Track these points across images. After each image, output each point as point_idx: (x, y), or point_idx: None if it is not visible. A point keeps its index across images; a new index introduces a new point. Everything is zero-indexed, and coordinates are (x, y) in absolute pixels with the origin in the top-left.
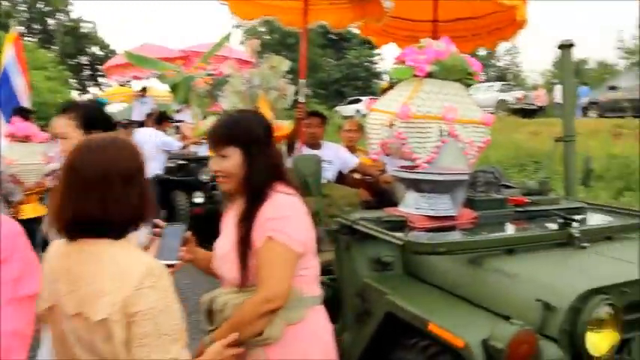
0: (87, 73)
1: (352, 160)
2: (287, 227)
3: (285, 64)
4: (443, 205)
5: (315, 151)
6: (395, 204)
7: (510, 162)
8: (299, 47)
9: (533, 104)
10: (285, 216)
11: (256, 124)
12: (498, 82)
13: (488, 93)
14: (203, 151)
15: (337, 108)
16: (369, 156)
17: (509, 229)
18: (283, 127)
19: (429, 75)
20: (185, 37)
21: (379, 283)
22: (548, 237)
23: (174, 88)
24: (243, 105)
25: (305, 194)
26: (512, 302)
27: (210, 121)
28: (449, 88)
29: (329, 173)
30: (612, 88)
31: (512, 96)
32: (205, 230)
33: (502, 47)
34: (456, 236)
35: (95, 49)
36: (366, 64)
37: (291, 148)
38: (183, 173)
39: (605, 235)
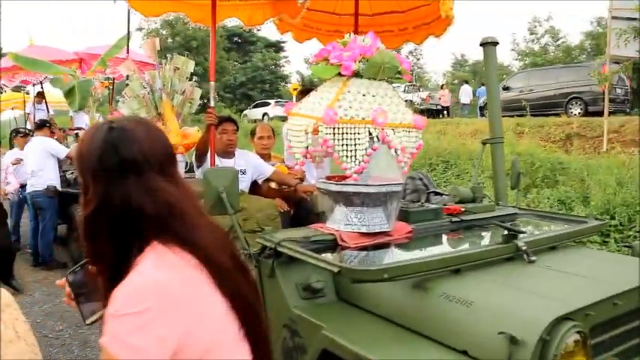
0: None
1: (267, 169)
2: (130, 331)
3: (190, 65)
4: (376, 220)
5: (227, 160)
6: (315, 215)
7: (419, 162)
8: (203, 51)
9: (438, 104)
10: (133, 312)
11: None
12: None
13: None
14: None
15: (245, 112)
16: (286, 163)
17: (450, 244)
18: (191, 134)
19: (355, 74)
20: (81, 40)
21: (311, 314)
22: (496, 252)
23: (69, 93)
24: (145, 111)
25: (219, 213)
26: (470, 335)
27: None
28: (377, 88)
29: (243, 184)
30: (506, 88)
31: (417, 96)
32: None
33: (405, 48)
34: (396, 256)
35: None
36: (272, 67)
37: (200, 158)
38: None
39: (549, 245)
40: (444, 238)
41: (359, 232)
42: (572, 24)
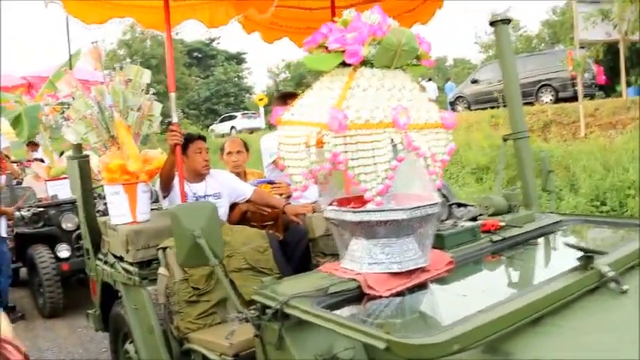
0: None
1: (246, 189)
2: None
3: (145, 75)
4: (408, 254)
5: (197, 185)
6: (310, 240)
7: None
8: (163, 68)
9: None
10: None
11: None
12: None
13: None
14: (64, 193)
15: (212, 126)
16: (268, 179)
17: (502, 273)
18: (154, 158)
19: (363, 62)
20: (31, 64)
21: None
22: (578, 285)
23: (15, 122)
24: (95, 134)
25: (198, 263)
26: None
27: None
28: (392, 79)
29: (220, 210)
30: (474, 81)
31: None
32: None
33: None
34: (445, 303)
35: None
36: (235, 79)
37: (167, 186)
38: (42, 223)
39: (631, 264)
40: (491, 265)
41: (388, 273)
42: (530, 15)
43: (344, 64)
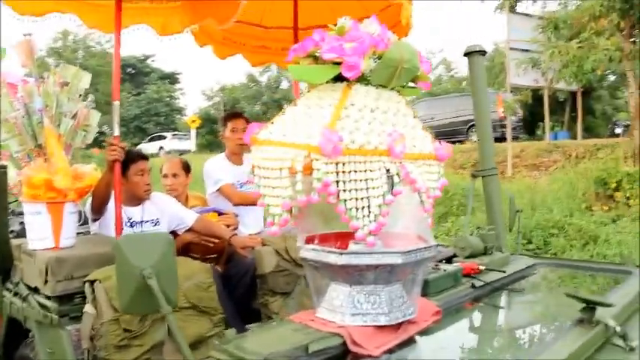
0: None
1: (189, 216)
2: None
3: (85, 79)
4: (397, 303)
5: (133, 209)
6: (258, 277)
7: None
8: (95, 81)
9: None
10: None
11: None
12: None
13: None
14: None
15: (139, 146)
16: (213, 207)
17: (495, 326)
18: (85, 174)
19: (359, 78)
20: None
21: None
22: (591, 343)
23: None
24: (17, 142)
25: (147, 310)
26: None
27: None
28: (387, 100)
29: None
30: None
31: None
32: None
33: None
34: None
35: None
36: (167, 99)
37: (99, 208)
38: None
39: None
40: (477, 314)
41: (374, 326)
42: (460, 58)
43: (335, 79)
